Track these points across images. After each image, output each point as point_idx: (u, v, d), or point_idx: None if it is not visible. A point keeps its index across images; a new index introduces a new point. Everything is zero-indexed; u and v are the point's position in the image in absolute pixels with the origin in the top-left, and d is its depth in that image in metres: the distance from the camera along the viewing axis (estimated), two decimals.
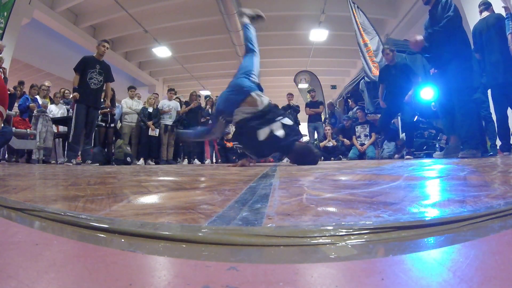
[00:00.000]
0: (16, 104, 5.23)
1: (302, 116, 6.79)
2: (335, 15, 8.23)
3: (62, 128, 5.44)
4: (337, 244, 0.31)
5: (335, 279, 0.24)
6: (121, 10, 7.88)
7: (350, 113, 6.86)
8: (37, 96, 5.85)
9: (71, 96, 4.55)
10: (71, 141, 4.26)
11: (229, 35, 9.00)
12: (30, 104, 5.39)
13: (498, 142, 3.79)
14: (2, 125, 3.88)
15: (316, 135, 6.74)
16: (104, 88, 4.48)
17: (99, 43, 4.48)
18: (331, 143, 6.10)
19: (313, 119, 6.70)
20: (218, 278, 0.23)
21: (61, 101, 5.99)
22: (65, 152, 4.92)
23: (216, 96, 7.17)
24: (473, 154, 3.00)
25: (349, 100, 7.21)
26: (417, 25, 7.76)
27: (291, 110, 6.68)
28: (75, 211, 0.51)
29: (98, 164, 4.32)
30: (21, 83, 5.91)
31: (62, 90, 6.36)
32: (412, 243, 0.32)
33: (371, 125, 5.64)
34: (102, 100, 4.66)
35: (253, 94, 2.46)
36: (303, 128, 7.01)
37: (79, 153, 4.63)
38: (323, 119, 6.94)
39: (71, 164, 4.03)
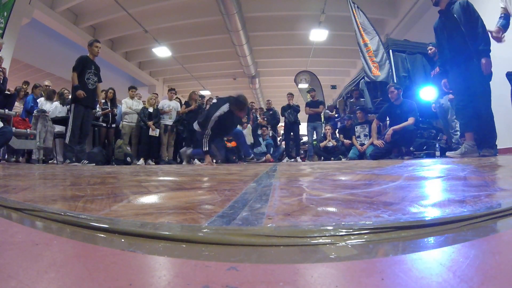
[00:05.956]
0: (16, 104, 5.21)
1: (302, 116, 6.79)
2: (335, 15, 8.23)
3: (62, 128, 5.42)
4: (337, 244, 0.31)
5: (335, 279, 0.24)
6: (121, 10, 7.88)
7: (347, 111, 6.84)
8: (42, 98, 5.78)
9: (73, 95, 4.30)
10: (68, 142, 4.16)
11: (229, 35, 8.99)
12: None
13: (498, 142, 3.79)
14: (2, 124, 3.87)
15: (315, 135, 6.73)
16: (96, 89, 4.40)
17: (92, 43, 4.35)
18: (331, 143, 6.09)
19: (313, 119, 6.69)
20: (218, 278, 0.23)
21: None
22: (63, 153, 4.86)
23: (217, 96, 7.17)
24: (491, 153, 3.03)
25: (348, 101, 7.19)
26: (417, 25, 7.74)
27: (291, 110, 6.66)
28: (75, 211, 0.51)
29: (94, 164, 4.30)
30: (25, 83, 5.91)
31: (62, 89, 6.33)
32: (412, 243, 0.32)
33: (370, 125, 5.63)
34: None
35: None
36: (303, 128, 7.01)
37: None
38: (322, 119, 6.92)
39: (77, 164, 3.98)
